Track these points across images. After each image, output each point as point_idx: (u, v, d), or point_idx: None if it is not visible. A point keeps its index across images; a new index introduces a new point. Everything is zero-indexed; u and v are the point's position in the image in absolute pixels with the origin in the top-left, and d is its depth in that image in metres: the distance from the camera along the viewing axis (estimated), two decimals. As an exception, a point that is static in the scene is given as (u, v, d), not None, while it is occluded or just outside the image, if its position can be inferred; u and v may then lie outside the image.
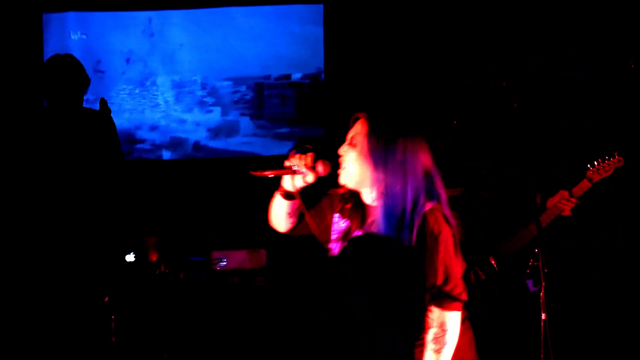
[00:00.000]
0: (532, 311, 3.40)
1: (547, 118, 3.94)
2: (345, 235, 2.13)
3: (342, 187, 2.14)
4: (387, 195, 2.00)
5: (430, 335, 2.01)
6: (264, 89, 5.39)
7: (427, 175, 2.05)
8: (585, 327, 3.84)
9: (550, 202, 3.46)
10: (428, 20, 4.99)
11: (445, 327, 2.00)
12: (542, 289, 3.10)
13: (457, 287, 2.04)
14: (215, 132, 5.42)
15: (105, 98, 4.12)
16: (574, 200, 3.40)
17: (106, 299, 3.67)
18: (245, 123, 5.41)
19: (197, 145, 5.43)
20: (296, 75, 5.37)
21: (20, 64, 5.02)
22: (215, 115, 5.45)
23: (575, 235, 3.76)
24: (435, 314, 2.01)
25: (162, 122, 5.45)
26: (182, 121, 5.45)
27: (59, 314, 3.46)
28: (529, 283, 3.38)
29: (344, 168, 2.09)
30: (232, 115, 5.44)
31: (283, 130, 5.41)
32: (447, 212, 2.05)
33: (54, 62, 3.63)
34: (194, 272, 4.55)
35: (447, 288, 2.01)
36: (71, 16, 5.34)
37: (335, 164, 2.13)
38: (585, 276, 3.93)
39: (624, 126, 3.95)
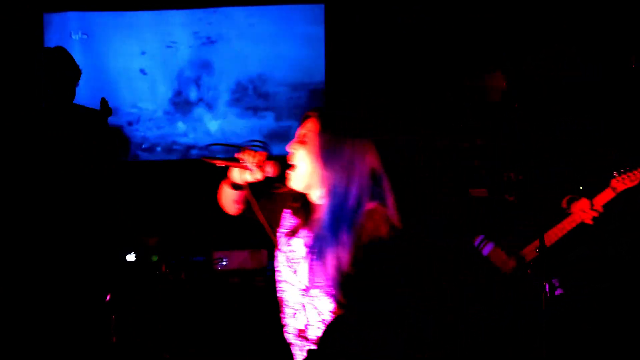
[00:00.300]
0: (532, 311, 3.40)
1: (547, 118, 3.94)
2: (293, 232, 2.18)
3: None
4: (332, 194, 2.04)
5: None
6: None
7: (374, 177, 2.09)
8: (591, 331, 3.83)
9: (575, 207, 3.43)
10: (428, 20, 4.99)
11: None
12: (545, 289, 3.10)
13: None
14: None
15: (105, 98, 4.12)
16: (596, 209, 3.36)
17: (108, 297, 3.68)
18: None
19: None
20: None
21: (21, 64, 5.02)
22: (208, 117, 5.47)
23: (593, 242, 3.75)
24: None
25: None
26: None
27: (60, 314, 3.46)
28: (555, 285, 3.38)
29: (294, 167, 2.12)
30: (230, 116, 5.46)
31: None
32: (392, 214, 2.07)
33: (49, 59, 3.63)
34: (194, 272, 4.56)
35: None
36: (72, 16, 5.34)
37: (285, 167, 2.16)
38: (597, 282, 3.92)
39: (624, 126, 3.94)
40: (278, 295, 2.23)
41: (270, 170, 2.15)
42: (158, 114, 5.46)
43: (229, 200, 2.27)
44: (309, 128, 2.11)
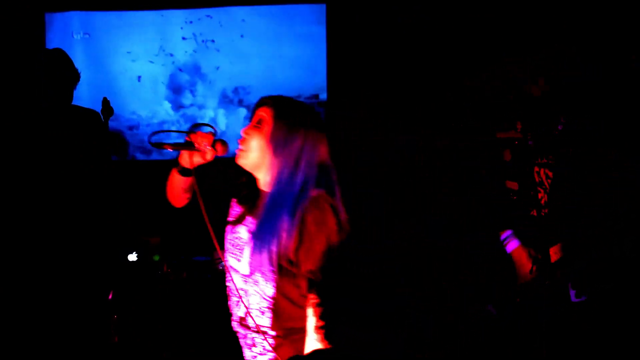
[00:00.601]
0: (532, 311, 3.40)
1: (547, 118, 3.93)
2: (239, 219, 2.20)
3: (239, 167, 2.18)
4: (277, 181, 2.07)
5: (312, 322, 2.04)
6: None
7: (323, 169, 2.11)
8: (592, 330, 3.83)
9: None
10: (428, 20, 5.00)
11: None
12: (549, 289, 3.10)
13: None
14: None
15: (107, 98, 4.13)
16: None
17: (110, 296, 3.68)
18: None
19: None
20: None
21: (22, 64, 5.02)
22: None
23: (599, 242, 3.75)
24: (316, 301, 2.05)
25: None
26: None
27: (62, 314, 3.47)
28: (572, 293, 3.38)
29: (245, 150, 2.13)
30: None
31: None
32: (338, 205, 2.08)
33: (49, 60, 3.64)
34: (196, 272, 4.56)
35: (321, 276, 2.04)
36: (74, 16, 5.35)
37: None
38: (601, 283, 3.92)
39: (624, 126, 3.94)
40: (226, 283, 2.22)
41: (220, 149, 2.16)
42: (159, 115, 5.47)
43: (178, 189, 2.27)
44: (263, 114, 2.13)
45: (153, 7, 5.36)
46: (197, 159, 2.17)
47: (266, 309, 2.10)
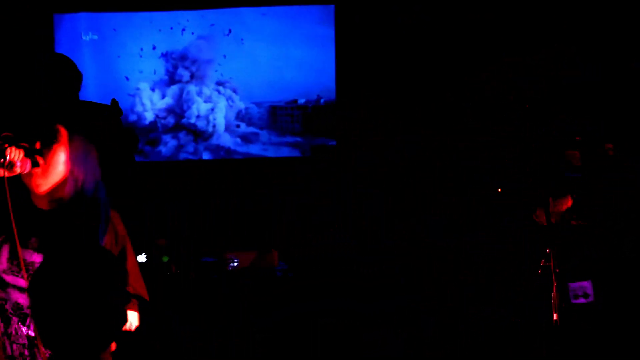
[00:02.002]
0: (532, 311, 3.41)
1: (547, 118, 3.94)
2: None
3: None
4: (74, 192, 2.14)
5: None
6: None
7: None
8: (594, 330, 3.83)
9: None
10: (429, 20, 4.99)
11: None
12: (554, 289, 3.09)
13: None
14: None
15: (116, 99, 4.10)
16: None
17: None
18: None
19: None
20: (301, 101, 5.40)
21: (30, 65, 5.00)
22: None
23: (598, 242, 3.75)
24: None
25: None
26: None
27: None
28: (570, 295, 3.37)
29: (50, 167, 2.14)
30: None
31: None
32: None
33: (52, 62, 3.62)
34: (204, 273, 4.55)
35: None
36: (83, 17, 5.33)
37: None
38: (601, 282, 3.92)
39: (624, 126, 3.95)
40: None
41: (28, 166, 2.11)
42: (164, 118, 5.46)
43: None
44: (58, 135, 2.22)
45: (161, 7, 5.34)
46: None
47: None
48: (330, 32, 5.29)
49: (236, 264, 4.61)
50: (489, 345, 3.66)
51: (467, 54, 4.80)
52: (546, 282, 3.18)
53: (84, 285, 2.02)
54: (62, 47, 5.10)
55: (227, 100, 5.40)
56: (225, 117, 5.39)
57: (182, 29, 5.38)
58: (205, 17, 5.36)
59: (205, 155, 5.40)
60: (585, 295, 3.34)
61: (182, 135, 5.42)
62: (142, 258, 4.45)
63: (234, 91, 5.41)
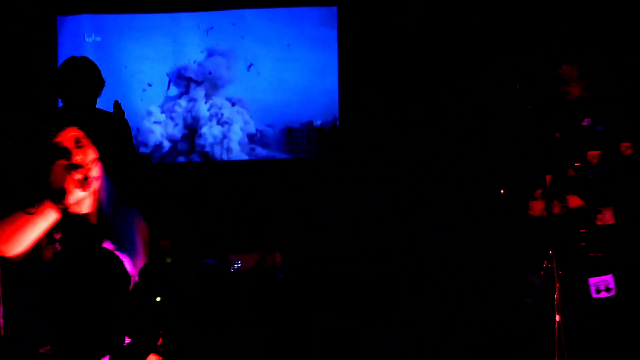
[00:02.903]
0: (532, 311, 3.40)
1: (547, 118, 3.95)
2: None
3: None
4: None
5: None
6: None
7: None
8: (596, 330, 3.83)
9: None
10: (427, 23, 5.02)
11: None
12: (557, 290, 3.09)
13: None
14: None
15: (118, 100, 4.11)
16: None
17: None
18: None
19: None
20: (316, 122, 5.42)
21: (34, 67, 5.00)
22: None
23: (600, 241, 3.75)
24: None
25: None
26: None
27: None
28: (592, 290, 3.36)
29: (95, 181, 2.22)
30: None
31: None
32: None
33: (70, 65, 3.62)
34: (206, 275, 4.54)
35: None
36: (86, 19, 5.32)
37: None
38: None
39: (624, 126, 3.96)
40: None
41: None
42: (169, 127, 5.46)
43: (32, 238, 2.11)
44: (81, 140, 2.20)
45: (164, 9, 5.33)
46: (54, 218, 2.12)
47: None
48: (333, 34, 5.30)
49: (239, 265, 4.60)
50: (489, 345, 3.66)
51: (465, 57, 4.82)
52: (547, 283, 3.19)
53: (94, 286, 2.02)
54: (65, 49, 5.09)
55: (242, 121, 5.39)
56: (239, 142, 5.37)
57: (184, 31, 5.37)
58: (208, 18, 5.34)
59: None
60: (608, 289, 3.33)
61: (194, 156, 5.43)
62: None
63: (247, 111, 5.40)
